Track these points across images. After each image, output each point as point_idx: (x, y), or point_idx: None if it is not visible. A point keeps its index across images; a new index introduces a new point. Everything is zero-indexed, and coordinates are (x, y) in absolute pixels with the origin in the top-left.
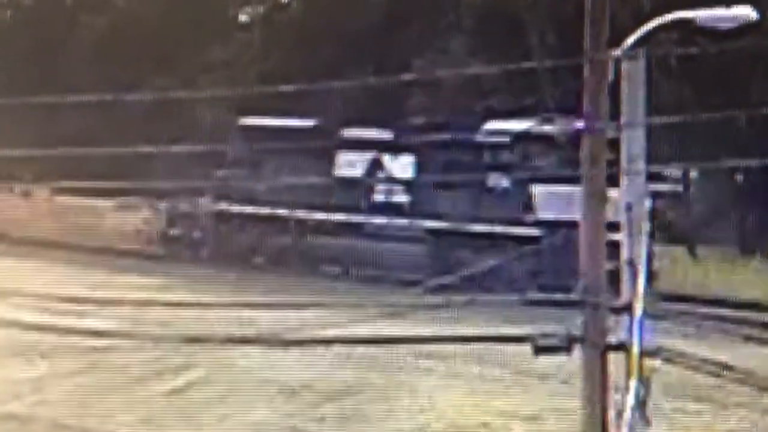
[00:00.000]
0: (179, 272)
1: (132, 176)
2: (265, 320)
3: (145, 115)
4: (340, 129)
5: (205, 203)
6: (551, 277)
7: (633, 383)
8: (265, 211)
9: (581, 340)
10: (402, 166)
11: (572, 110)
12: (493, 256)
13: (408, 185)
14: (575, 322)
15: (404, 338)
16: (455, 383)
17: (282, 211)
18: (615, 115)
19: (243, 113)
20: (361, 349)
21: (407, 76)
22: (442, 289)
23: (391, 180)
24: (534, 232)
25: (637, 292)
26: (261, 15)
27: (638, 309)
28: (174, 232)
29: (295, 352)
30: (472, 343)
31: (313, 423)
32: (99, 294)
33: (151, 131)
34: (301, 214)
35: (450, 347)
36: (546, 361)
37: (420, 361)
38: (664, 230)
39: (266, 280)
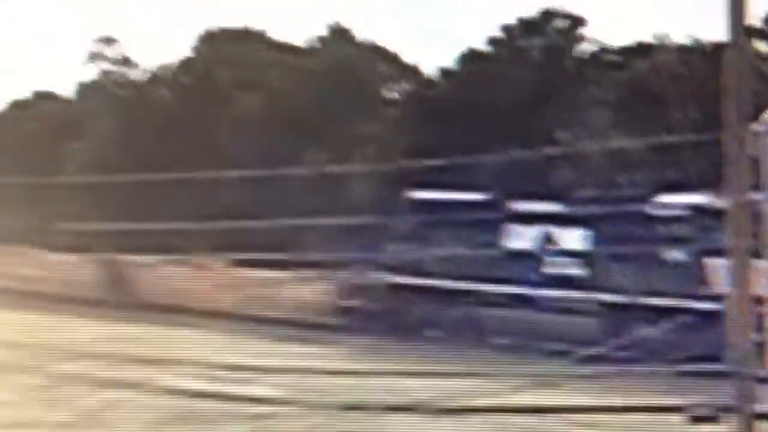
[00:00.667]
0: (342, 341)
1: (292, 248)
2: (421, 389)
3: (301, 188)
4: (508, 201)
5: (377, 276)
6: (712, 348)
7: None
8: (435, 283)
9: (732, 409)
10: (573, 238)
11: (718, 184)
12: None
13: (579, 257)
14: (726, 392)
15: (557, 407)
16: None
17: (453, 284)
18: (757, 188)
19: (397, 186)
20: (515, 418)
21: (553, 150)
22: (596, 359)
23: (563, 252)
24: (709, 305)
25: None
26: (409, 91)
27: None
28: (347, 303)
29: (450, 421)
30: (626, 413)
31: None
32: (262, 362)
33: (308, 204)
34: (471, 286)
35: (605, 417)
36: (696, 430)
37: (574, 430)
38: None
39: (430, 349)
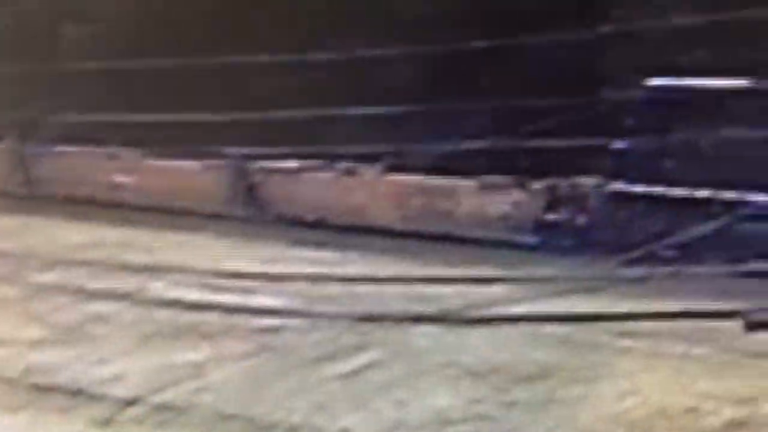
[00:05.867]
0: (359, 245)
1: (320, 141)
2: (450, 296)
3: (331, 75)
4: None
5: (594, 183)
6: None
7: None
8: (678, 192)
9: None
10: None
11: None
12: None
13: None
14: None
15: (600, 315)
16: (658, 364)
17: (704, 193)
18: None
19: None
20: (551, 328)
21: None
22: (644, 260)
23: None
24: None
25: None
26: None
27: None
28: (552, 217)
29: (481, 332)
30: (676, 319)
31: (502, 409)
32: (269, 269)
33: (339, 92)
34: (731, 195)
35: (652, 324)
36: (761, 338)
37: (618, 340)
38: None
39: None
